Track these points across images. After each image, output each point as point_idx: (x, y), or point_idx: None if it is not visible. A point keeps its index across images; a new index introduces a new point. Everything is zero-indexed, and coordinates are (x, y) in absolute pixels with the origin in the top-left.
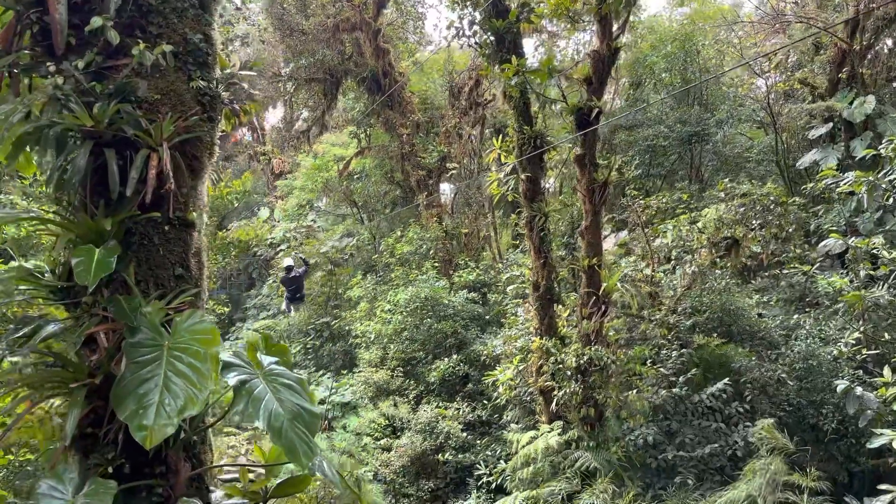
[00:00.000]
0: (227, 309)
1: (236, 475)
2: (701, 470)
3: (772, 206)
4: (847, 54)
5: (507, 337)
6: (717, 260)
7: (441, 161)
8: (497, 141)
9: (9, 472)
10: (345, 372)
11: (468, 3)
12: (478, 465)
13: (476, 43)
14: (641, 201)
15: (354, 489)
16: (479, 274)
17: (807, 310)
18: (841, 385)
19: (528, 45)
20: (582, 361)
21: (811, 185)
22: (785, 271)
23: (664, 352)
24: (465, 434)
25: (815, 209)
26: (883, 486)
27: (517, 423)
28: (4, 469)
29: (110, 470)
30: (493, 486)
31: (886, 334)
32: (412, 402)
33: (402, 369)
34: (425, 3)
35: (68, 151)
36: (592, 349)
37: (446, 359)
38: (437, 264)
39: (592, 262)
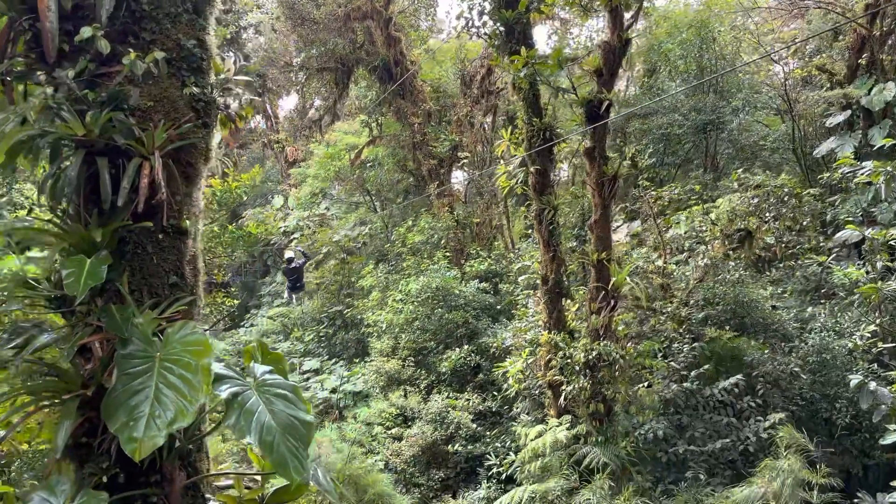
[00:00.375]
0: (236, 301)
1: (232, 482)
2: (712, 465)
3: (786, 198)
4: (866, 40)
5: (516, 329)
6: (731, 252)
7: (453, 150)
8: (506, 132)
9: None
10: (357, 360)
11: None
12: (488, 456)
13: (485, 33)
14: (653, 192)
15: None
16: (490, 264)
17: (822, 301)
18: (854, 380)
19: (541, 32)
20: (591, 357)
21: (827, 174)
22: (800, 262)
23: (675, 345)
24: (475, 424)
25: (832, 199)
26: None
27: (527, 414)
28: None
29: (105, 479)
30: (504, 476)
31: None
32: (423, 392)
33: (413, 359)
34: None
35: (61, 160)
36: (601, 345)
37: (457, 349)
38: (448, 254)
39: (602, 256)
